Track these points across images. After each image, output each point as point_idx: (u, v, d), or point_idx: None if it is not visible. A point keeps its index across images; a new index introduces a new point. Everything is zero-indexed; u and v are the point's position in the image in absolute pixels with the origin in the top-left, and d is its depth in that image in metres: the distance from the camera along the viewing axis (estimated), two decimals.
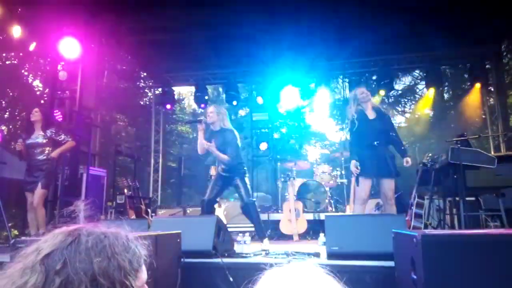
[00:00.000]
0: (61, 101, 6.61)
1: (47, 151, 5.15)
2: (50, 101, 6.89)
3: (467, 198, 4.71)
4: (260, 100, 9.92)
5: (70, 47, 6.43)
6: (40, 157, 5.11)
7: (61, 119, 6.37)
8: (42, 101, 9.49)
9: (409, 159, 4.58)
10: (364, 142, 4.57)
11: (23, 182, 5.16)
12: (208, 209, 4.79)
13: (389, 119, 4.81)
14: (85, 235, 0.77)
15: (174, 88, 10.84)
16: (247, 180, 4.87)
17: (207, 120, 4.82)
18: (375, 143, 4.51)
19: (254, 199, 5.01)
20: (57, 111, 6.36)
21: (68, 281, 0.69)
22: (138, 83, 12.43)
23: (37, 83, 10.94)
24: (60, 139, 5.22)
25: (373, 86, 10.06)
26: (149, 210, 7.43)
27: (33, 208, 5.03)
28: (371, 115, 4.65)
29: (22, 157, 5.22)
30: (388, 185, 4.44)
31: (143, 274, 0.82)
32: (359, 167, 4.48)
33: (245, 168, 4.94)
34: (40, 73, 10.47)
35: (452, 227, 5.34)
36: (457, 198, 4.92)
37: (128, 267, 0.76)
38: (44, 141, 5.15)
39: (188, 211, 7.30)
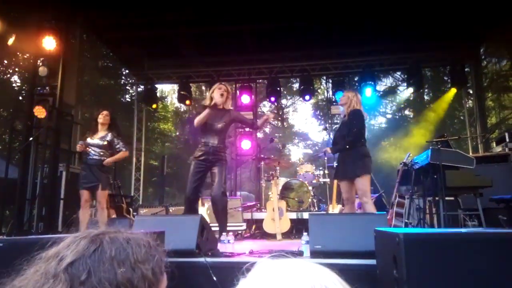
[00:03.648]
0: (41, 97, 6.45)
1: (105, 153, 5.28)
2: (29, 97, 6.72)
3: (446, 198, 4.80)
4: (244, 99, 9.91)
5: (50, 42, 6.29)
6: (101, 158, 5.23)
7: (42, 116, 6.22)
8: (20, 97, 9.26)
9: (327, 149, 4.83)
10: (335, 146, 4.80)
11: (82, 179, 5.20)
12: (190, 205, 4.63)
13: (353, 120, 4.59)
14: (108, 242, 0.75)
15: (157, 85, 10.74)
16: (224, 168, 4.64)
17: (219, 100, 4.60)
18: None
19: (226, 196, 4.70)
20: (37, 107, 6.20)
21: None
22: (119, 80, 12.25)
23: (15, 79, 10.66)
24: (116, 146, 5.34)
25: (355, 87, 10.19)
26: (130, 209, 7.33)
27: (87, 207, 5.20)
28: (343, 119, 4.77)
29: (81, 158, 5.39)
30: (356, 185, 4.49)
31: (164, 282, 0.81)
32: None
33: (226, 154, 4.77)
34: (18, 68, 10.18)
35: (431, 226, 5.45)
36: (436, 198, 5.02)
37: (152, 277, 0.75)
38: (105, 143, 5.25)
39: (170, 210, 7.23)
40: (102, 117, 5.33)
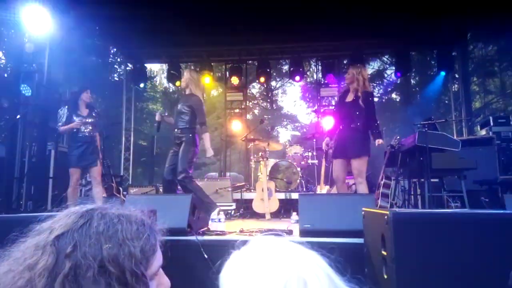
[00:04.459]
0: (28, 75, 6.32)
1: (93, 130, 5.32)
2: (15, 74, 6.57)
3: (431, 180, 4.92)
4: (234, 80, 9.86)
5: (36, 17, 6.12)
6: (89, 135, 5.25)
7: (29, 93, 6.11)
8: (5, 75, 9.03)
9: (379, 141, 4.58)
10: (336, 123, 4.81)
11: (74, 158, 5.17)
12: (165, 184, 4.93)
13: (366, 104, 4.58)
14: (98, 217, 0.74)
15: (146, 65, 10.60)
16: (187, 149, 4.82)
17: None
18: (340, 126, 4.70)
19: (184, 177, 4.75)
20: (24, 85, 6.09)
21: (77, 266, 0.67)
22: (107, 59, 12.00)
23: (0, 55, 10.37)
24: (98, 122, 5.46)
25: (344, 70, 10.21)
26: (120, 188, 7.33)
27: (77, 186, 5.28)
28: (349, 97, 4.68)
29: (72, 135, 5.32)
30: (353, 165, 4.53)
31: (157, 261, 0.78)
32: (328, 145, 4.89)
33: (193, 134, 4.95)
34: (3, 44, 9.87)
35: (415, 207, 5.60)
36: (422, 179, 5.15)
37: (139, 256, 0.72)
38: (92, 119, 5.31)
39: (160, 189, 7.25)
40: (88, 96, 5.37)
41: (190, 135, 4.87)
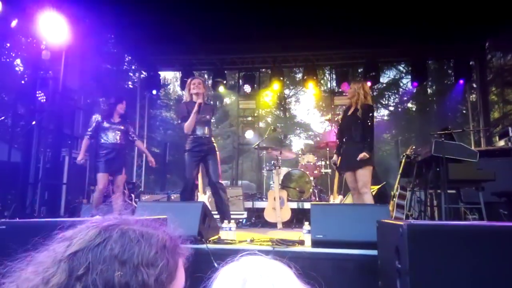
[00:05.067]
0: (44, 81, 6.43)
1: (121, 137, 5.39)
2: (31, 81, 6.69)
3: (448, 191, 4.81)
4: (247, 88, 9.85)
5: (53, 25, 6.23)
6: (119, 142, 5.34)
7: (44, 100, 6.21)
8: (22, 81, 9.19)
9: (362, 154, 4.49)
10: (341, 137, 4.93)
11: (103, 164, 5.22)
12: (190, 189, 4.98)
13: (367, 118, 4.66)
14: (116, 236, 0.69)
15: (159, 72, 10.68)
16: (218, 157, 5.14)
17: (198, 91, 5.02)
18: (344, 139, 4.83)
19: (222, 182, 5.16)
20: (39, 92, 6.18)
21: None
22: (122, 66, 12.16)
23: (17, 62, 10.57)
24: (132, 135, 5.63)
25: (359, 78, 10.12)
26: (132, 195, 7.35)
27: (103, 192, 5.22)
28: (350, 111, 4.79)
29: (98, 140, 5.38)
30: (357, 176, 4.57)
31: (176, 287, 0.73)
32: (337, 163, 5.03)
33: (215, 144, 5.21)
34: (21, 52, 10.06)
35: (432, 218, 5.47)
36: (438, 190, 5.02)
37: (153, 285, 0.66)
38: (122, 127, 5.43)
39: (172, 197, 7.25)
40: (123, 107, 5.54)
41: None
